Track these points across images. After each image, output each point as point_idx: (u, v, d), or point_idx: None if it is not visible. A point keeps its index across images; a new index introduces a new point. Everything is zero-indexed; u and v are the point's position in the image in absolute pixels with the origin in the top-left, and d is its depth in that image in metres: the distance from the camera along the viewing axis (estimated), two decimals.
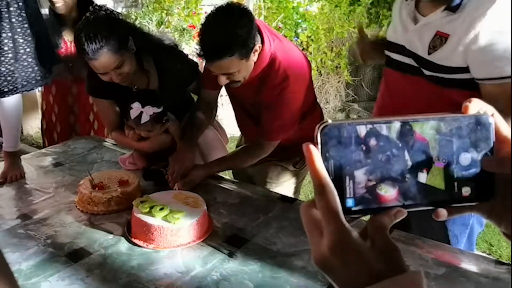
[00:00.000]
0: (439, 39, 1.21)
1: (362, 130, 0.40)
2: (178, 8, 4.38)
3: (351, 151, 0.40)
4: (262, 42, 1.46)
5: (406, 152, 0.41)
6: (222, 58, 1.35)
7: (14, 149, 1.70)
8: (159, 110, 1.55)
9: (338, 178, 0.40)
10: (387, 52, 1.42)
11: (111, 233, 1.30)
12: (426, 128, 0.41)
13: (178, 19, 4.46)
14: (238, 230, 1.30)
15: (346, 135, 0.40)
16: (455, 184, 0.42)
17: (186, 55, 1.76)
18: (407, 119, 0.41)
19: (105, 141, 2.07)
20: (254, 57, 1.45)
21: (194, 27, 4.45)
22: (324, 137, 0.40)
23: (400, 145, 0.41)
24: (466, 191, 0.42)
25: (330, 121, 0.40)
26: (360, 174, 0.40)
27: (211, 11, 1.41)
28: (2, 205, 1.49)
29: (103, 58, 1.43)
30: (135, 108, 1.51)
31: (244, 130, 1.89)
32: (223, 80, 1.46)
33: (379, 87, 1.52)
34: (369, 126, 0.40)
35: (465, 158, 0.42)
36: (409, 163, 0.41)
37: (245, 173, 1.87)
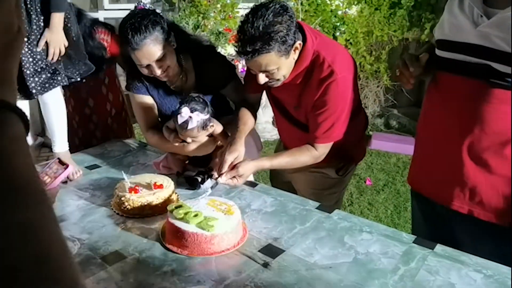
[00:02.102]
0: None
1: None
2: (214, 11, 4.40)
3: None
4: (304, 40, 1.42)
5: None
6: (260, 54, 1.33)
7: (64, 149, 1.77)
8: (207, 117, 1.53)
9: None
10: (442, 53, 1.28)
11: (145, 237, 1.30)
12: None
13: (214, 23, 4.49)
14: (273, 240, 1.26)
15: None
16: None
17: (224, 56, 1.75)
18: None
19: (142, 144, 2.09)
20: (294, 55, 1.42)
21: (230, 31, 4.46)
22: None
23: None
24: None
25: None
26: None
27: (251, 7, 1.39)
28: None
29: (146, 48, 1.46)
30: (184, 113, 1.49)
31: (287, 138, 1.81)
32: (262, 78, 1.43)
33: (427, 93, 1.39)
34: None
35: None
36: None
37: (284, 179, 1.82)
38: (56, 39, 1.71)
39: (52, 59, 1.72)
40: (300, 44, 1.41)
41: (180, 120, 1.50)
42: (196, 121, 1.49)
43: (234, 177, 1.46)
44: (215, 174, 1.48)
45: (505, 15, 1.10)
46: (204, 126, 1.52)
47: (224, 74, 1.70)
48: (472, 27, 1.18)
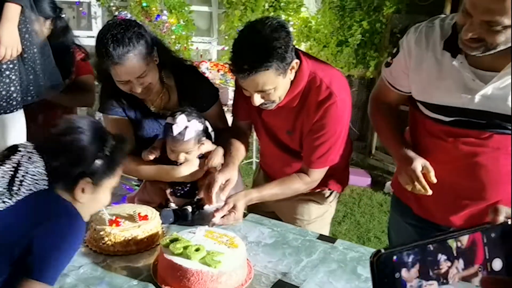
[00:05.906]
0: None
1: (415, 255, 0.43)
2: (169, 42, 4.29)
3: (408, 276, 0.43)
4: (300, 61, 1.36)
5: (457, 264, 0.46)
6: (257, 72, 1.24)
7: None
8: (202, 128, 1.39)
9: None
10: (433, 114, 1.27)
11: (135, 278, 1.12)
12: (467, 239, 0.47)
13: None
14: (282, 275, 1.14)
15: (401, 261, 0.43)
16: None
17: (207, 78, 1.65)
18: (453, 235, 0.46)
19: None
20: (291, 75, 1.35)
21: None
22: (380, 266, 0.42)
23: (452, 259, 0.46)
24: None
25: (383, 250, 0.42)
26: None
27: (246, 24, 1.31)
28: None
29: (129, 63, 1.31)
30: (180, 122, 1.34)
31: (273, 167, 1.70)
32: (258, 99, 1.33)
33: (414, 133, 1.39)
34: (421, 249, 0.44)
35: (497, 263, 0.47)
36: (460, 273, 0.46)
37: (266, 209, 1.70)
38: (8, 36, 1.39)
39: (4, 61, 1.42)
40: (297, 63, 1.34)
41: (176, 130, 1.35)
42: (194, 131, 1.36)
43: (229, 214, 1.36)
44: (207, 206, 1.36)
45: (504, 79, 1.11)
46: (199, 139, 1.40)
47: (208, 95, 1.59)
48: (467, 94, 1.17)
